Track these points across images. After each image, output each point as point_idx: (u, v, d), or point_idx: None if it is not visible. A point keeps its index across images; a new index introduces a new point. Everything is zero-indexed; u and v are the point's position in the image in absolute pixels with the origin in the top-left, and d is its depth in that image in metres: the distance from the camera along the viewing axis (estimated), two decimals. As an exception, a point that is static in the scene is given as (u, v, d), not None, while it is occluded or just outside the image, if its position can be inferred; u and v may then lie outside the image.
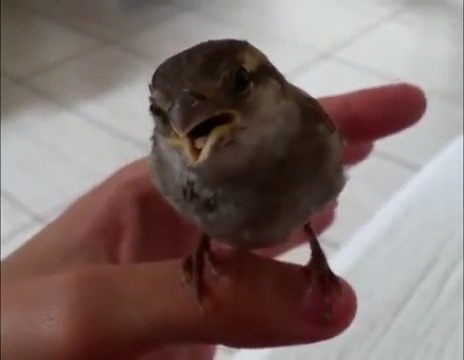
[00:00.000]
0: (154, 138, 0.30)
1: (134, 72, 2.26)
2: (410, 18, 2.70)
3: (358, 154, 0.43)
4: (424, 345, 0.52)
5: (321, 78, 2.00)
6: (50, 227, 0.36)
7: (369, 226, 0.63)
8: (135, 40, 2.56)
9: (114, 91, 2.23)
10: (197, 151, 0.25)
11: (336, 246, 0.62)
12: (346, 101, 0.40)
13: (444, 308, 0.54)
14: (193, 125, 0.25)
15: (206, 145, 0.25)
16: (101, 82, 2.31)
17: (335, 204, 0.36)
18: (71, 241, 0.34)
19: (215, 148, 0.25)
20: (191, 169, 0.27)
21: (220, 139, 0.25)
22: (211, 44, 0.28)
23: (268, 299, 0.29)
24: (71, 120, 2.11)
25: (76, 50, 2.53)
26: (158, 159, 0.30)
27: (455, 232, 0.60)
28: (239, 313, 0.28)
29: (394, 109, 0.39)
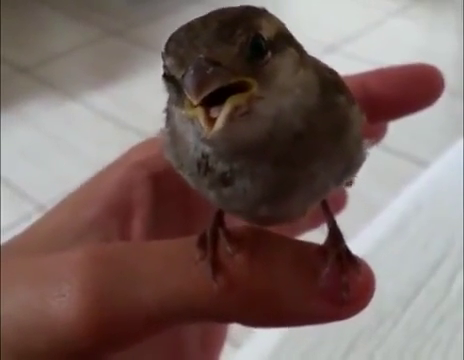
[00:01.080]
0: (167, 110, 0.30)
1: (139, 63, 2.26)
2: (417, 13, 2.69)
3: (373, 135, 0.42)
4: (432, 341, 0.51)
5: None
6: (57, 209, 0.35)
7: (378, 221, 0.63)
8: (141, 31, 2.55)
9: (119, 82, 2.23)
10: (212, 120, 0.24)
11: (344, 241, 0.61)
12: (362, 80, 0.39)
13: (453, 304, 0.54)
14: (207, 92, 0.24)
15: (221, 114, 0.24)
16: (106, 73, 2.31)
17: (351, 183, 0.35)
18: (81, 221, 0.33)
19: (231, 118, 0.24)
20: (206, 140, 0.26)
21: (236, 108, 0.24)
22: (227, 10, 0.27)
23: (284, 277, 0.28)
24: (76, 110, 2.11)
25: (81, 40, 2.53)
26: (171, 132, 0.29)
27: (464, 228, 0.60)
28: (254, 291, 0.27)
29: (411, 88, 0.39)
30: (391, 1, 2.77)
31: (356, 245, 0.60)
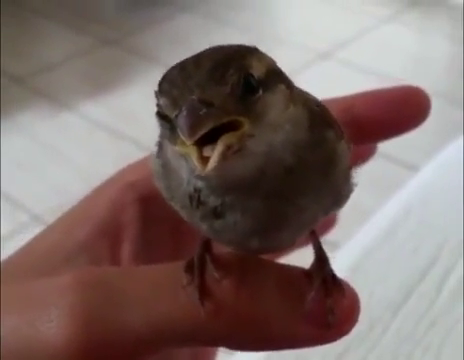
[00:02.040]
0: (159, 144, 0.30)
1: (134, 73, 2.26)
2: (410, 19, 2.70)
3: (361, 156, 0.42)
4: (423, 346, 0.52)
5: (320, 78, 2.00)
6: (50, 229, 0.35)
7: (368, 226, 0.63)
8: (135, 40, 2.56)
9: (114, 91, 2.23)
10: (205, 159, 0.25)
11: (335, 246, 0.62)
12: (349, 103, 0.39)
13: (443, 309, 0.54)
14: (201, 133, 0.24)
15: (214, 153, 0.25)
16: (101, 82, 2.31)
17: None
18: (72, 243, 0.33)
19: (223, 156, 0.25)
20: (199, 176, 0.26)
21: (228, 147, 0.25)
22: (219, 49, 0.27)
23: (270, 302, 0.28)
24: (70, 120, 2.11)
25: (76, 50, 2.53)
26: (164, 164, 0.30)
27: (454, 233, 0.60)
28: (241, 316, 0.28)
29: (398, 111, 0.39)
30: (384, 7, 2.78)
31: (346, 250, 0.61)
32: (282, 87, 0.28)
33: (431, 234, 0.60)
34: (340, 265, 0.58)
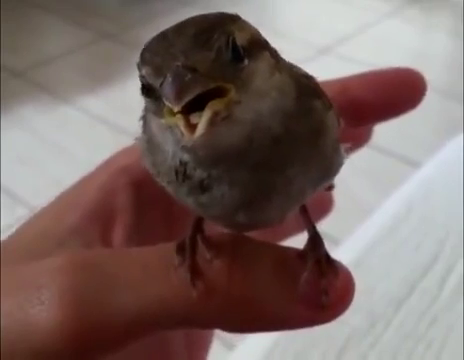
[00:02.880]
0: (144, 118, 0.30)
1: (133, 66, 2.21)
2: (411, 14, 2.70)
3: (357, 139, 0.42)
4: (425, 342, 0.52)
5: (321, 73, 1.99)
6: (42, 214, 0.35)
7: (370, 223, 0.63)
8: (135, 34, 2.55)
9: (113, 85, 2.23)
10: (192, 127, 0.24)
11: (336, 242, 0.61)
12: (345, 84, 0.39)
13: (445, 305, 0.54)
14: (187, 98, 0.24)
15: (202, 119, 0.24)
16: (100, 76, 2.30)
17: (332, 187, 0.35)
18: (63, 227, 0.33)
19: (211, 123, 0.24)
20: (186, 148, 0.26)
21: (216, 113, 0.24)
22: (200, 17, 0.27)
23: (263, 282, 0.28)
24: (70, 114, 2.11)
25: (75, 44, 2.53)
26: (148, 140, 0.29)
27: (456, 229, 0.60)
28: (233, 296, 0.28)
29: (393, 92, 0.39)
30: (384, 3, 2.78)
31: (348, 246, 0.61)
32: (267, 55, 0.27)
33: (433, 230, 0.60)
34: (342, 261, 0.58)
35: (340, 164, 0.30)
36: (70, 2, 2.84)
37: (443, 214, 0.62)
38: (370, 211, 0.65)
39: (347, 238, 0.62)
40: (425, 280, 0.56)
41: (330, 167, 0.30)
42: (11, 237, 0.34)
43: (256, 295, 0.28)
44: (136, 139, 0.31)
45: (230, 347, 0.55)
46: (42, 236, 0.33)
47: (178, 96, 0.24)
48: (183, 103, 0.24)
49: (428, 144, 1.10)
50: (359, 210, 0.74)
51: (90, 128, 2.03)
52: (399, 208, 0.63)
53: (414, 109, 0.39)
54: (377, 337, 0.52)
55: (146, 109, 0.28)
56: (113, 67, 2.35)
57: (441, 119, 1.66)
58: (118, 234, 0.34)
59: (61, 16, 2.73)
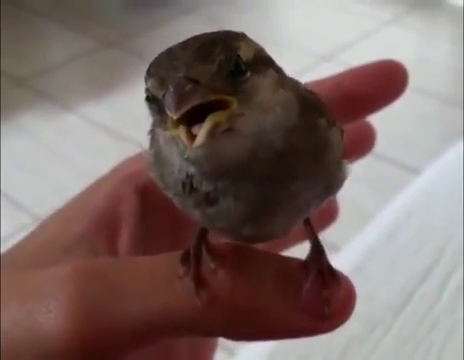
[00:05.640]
0: (152, 132, 0.30)
1: (135, 74, 2.25)
2: (411, 22, 2.71)
3: (359, 150, 0.43)
4: (424, 347, 0.52)
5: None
6: (47, 222, 0.35)
7: (370, 229, 0.63)
8: (137, 42, 2.56)
9: (115, 93, 2.23)
10: (194, 138, 0.25)
11: (336, 248, 0.62)
12: (337, 80, 0.41)
13: (444, 311, 0.54)
14: (187, 107, 0.24)
15: (201, 130, 0.24)
16: (102, 84, 2.31)
17: (335, 199, 0.36)
18: (70, 235, 0.34)
19: (212, 134, 0.25)
20: (190, 160, 0.26)
21: (217, 125, 0.25)
22: (207, 34, 0.27)
23: (266, 292, 0.29)
24: (72, 122, 2.11)
25: (78, 51, 2.53)
26: (156, 153, 0.30)
27: (455, 235, 0.60)
28: (236, 306, 0.28)
29: (381, 84, 0.41)
30: (385, 10, 2.78)
31: (348, 252, 0.61)
32: (271, 71, 0.28)
33: (432, 237, 0.60)
34: (341, 267, 0.58)
35: (343, 179, 0.31)
36: (72, 10, 2.85)
37: (443, 220, 0.62)
38: (370, 217, 0.65)
39: (347, 244, 0.62)
40: (425, 286, 0.56)
41: (333, 182, 0.30)
42: (18, 245, 0.34)
43: (259, 305, 0.28)
44: (143, 151, 0.32)
45: (231, 353, 0.55)
46: (49, 244, 0.33)
47: (178, 105, 0.24)
48: (182, 111, 0.24)
49: (428, 151, 1.11)
50: (359, 216, 0.74)
51: (92, 136, 2.04)
52: (399, 214, 0.63)
53: (397, 99, 0.41)
54: (377, 342, 0.52)
55: (154, 123, 0.29)
56: (115, 75, 2.36)
57: (441, 126, 1.66)
58: (124, 242, 0.35)
59: (63, 24, 2.74)
